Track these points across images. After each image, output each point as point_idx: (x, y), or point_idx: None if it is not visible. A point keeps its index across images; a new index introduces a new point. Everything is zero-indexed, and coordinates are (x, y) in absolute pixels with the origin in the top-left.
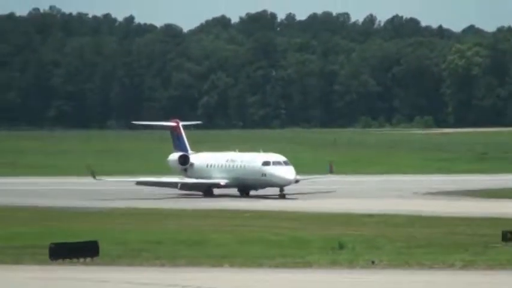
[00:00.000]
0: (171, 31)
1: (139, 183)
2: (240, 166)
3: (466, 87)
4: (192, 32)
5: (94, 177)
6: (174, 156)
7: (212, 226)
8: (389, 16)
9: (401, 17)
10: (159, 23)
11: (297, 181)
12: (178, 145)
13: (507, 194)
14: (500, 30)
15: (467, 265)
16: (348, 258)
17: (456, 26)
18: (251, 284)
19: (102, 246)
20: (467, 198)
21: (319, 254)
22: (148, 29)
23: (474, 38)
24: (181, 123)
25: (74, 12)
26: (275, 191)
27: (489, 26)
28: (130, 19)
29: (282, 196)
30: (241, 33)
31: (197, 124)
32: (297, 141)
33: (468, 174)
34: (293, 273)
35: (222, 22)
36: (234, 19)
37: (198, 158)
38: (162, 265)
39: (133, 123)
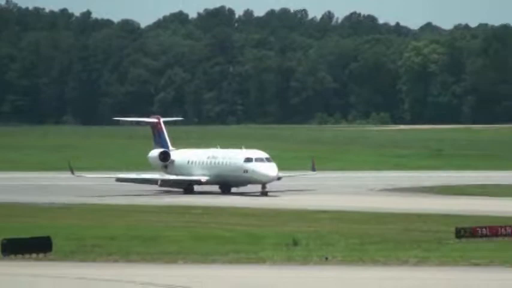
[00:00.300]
0: (128, 26)
1: (119, 179)
2: (222, 163)
3: (422, 84)
4: (150, 28)
5: (73, 173)
6: (155, 152)
7: (167, 222)
8: (347, 13)
9: (359, 14)
10: (116, 18)
11: (279, 178)
12: (159, 141)
13: (461, 190)
14: (457, 27)
15: (420, 261)
16: (301, 255)
17: (413, 23)
18: (204, 280)
19: (56, 242)
20: (422, 195)
21: (273, 250)
22: (105, 24)
23: (431, 36)
24: (162, 119)
25: (31, 7)
26: (257, 188)
27: (446, 23)
28: (87, 14)
29: (264, 194)
30: (198, 29)
31: (178, 120)
32: (255, 138)
33: (423, 171)
34: (246, 269)
35: (179, 18)
36: (192, 15)
37: (178, 155)
38: (115, 261)
39: (115, 119)
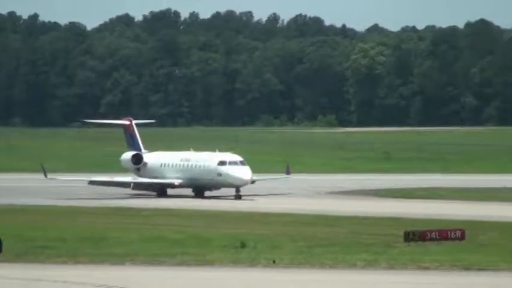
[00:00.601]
0: (75, 29)
1: (91, 182)
2: (195, 166)
3: (369, 86)
4: (96, 30)
5: (45, 175)
6: (127, 155)
7: (117, 224)
8: (293, 15)
9: (305, 15)
10: (63, 21)
11: (253, 182)
12: (132, 144)
13: (409, 194)
14: (404, 29)
15: (369, 265)
16: (249, 257)
17: (360, 25)
18: (150, 282)
19: (6, 243)
20: (370, 198)
21: (221, 252)
22: (53, 27)
23: (378, 38)
24: (134, 122)
25: None
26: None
27: (393, 25)
28: (34, 17)
29: (238, 197)
30: (145, 31)
31: (150, 123)
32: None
33: (371, 174)
34: (193, 272)
35: (125, 20)
36: (138, 17)
37: (151, 157)
38: (64, 262)
39: (85, 122)
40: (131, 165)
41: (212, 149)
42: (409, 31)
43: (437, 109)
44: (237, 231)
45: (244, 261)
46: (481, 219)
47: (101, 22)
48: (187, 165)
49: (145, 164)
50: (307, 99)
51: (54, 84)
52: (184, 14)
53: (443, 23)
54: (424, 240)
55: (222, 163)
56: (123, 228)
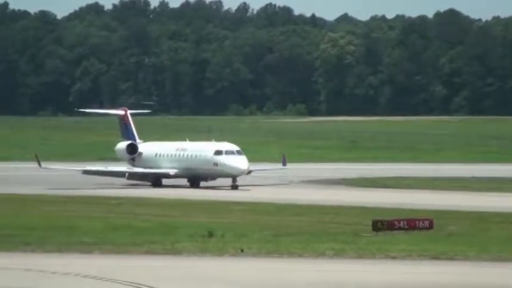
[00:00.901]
0: (44, 18)
1: (86, 172)
2: (191, 155)
3: (338, 75)
4: (66, 19)
5: (40, 165)
6: (122, 145)
7: (85, 212)
8: (263, 4)
9: (275, 5)
10: (33, 10)
11: (249, 172)
12: (126, 134)
13: (378, 183)
14: (373, 19)
15: (337, 254)
16: (217, 246)
17: (329, 14)
18: (118, 270)
19: None
20: (338, 187)
21: (188, 241)
22: (23, 15)
23: (347, 27)
24: (129, 112)
25: None
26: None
27: (363, 15)
28: (4, 5)
29: (235, 187)
30: (115, 20)
31: (146, 112)
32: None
33: (339, 163)
34: (161, 260)
35: (95, 9)
36: (108, 6)
37: (146, 147)
38: (32, 251)
39: (80, 111)
40: (126, 155)
41: (182, 138)
42: (378, 20)
43: (406, 98)
44: (204, 219)
45: (212, 250)
46: (450, 209)
47: (71, 11)
48: (183, 155)
49: (140, 154)
50: (277, 88)
51: (23, 72)
52: (154, 3)
53: (412, 12)
54: (392, 230)
55: (218, 153)
56: (91, 217)
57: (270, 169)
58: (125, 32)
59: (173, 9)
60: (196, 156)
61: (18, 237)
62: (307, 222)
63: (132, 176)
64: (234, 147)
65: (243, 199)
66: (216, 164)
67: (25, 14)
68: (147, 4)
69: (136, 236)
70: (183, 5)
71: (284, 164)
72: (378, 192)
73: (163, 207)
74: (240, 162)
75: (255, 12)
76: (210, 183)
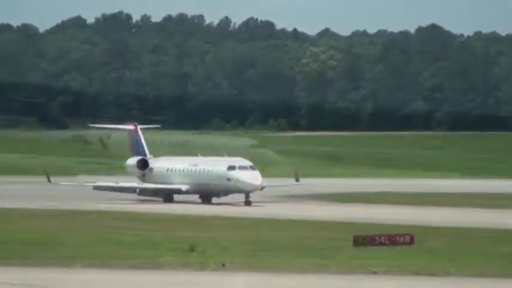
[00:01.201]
0: (27, 31)
1: (96, 187)
2: (203, 171)
3: (320, 90)
4: (48, 32)
5: (49, 180)
6: (133, 160)
7: (67, 226)
8: (244, 18)
9: (256, 19)
10: (15, 23)
11: (262, 187)
12: (137, 149)
13: (359, 198)
14: (355, 34)
15: (318, 269)
16: (199, 261)
17: (311, 29)
18: (100, 285)
19: None
20: (319, 202)
21: (170, 255)
22: (5, 28)
23: (329, 42)
24: (139, 127)
25: None
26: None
27: (344, 30)
28: None
29: (248, 203)
30: (97, 33)
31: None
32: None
33: (320, 178)
34: (143, 275)
35: (77, 22)
36: (90, 20)
37: (157, 163)
38: (12, 265)
39: (89, 126)
40: (136, 171)
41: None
42: (360, 35)
43: (387, 114)
44: (183, 234)
45: (193, 265)
46: (430, 224)
47: (53, 24)
48: (195, 170)
49: (151, 169)
50: (258, 103)
51: (4, 85)
52: (136, 17)
53: (394, 27)
54: (374, 245)
55: (231, 168)
56: (74, 230)
57: (283, 185)
58: (107, 45)
59: (155, 23)
60: (208, 171)
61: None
62: (288, 237)
63: (143, 191)
64: (248, 163)
65: (223, 214)
66: (229, 179)
67: (7, 27)
68: (129, 18)
69: (119, 250)
70: (164, 19)
71: (297, 180)
72: (359, 207)
73: (145, 221)
74: (254, 177)
75: (236, 26)
76: (223, 199)
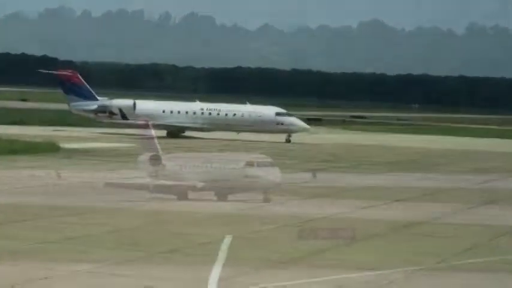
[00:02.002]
0: None
1: (108, 184)
2: (220, 167)
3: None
4: None
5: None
6: (145, 156)
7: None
8: (185, 13)
9: (197, 14)
10: None
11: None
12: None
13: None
14: (297, 29)
15: None
16: None
17: (251, 24)
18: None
19: None
20: None
21: None
22: None
23: (270, 37)
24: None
25: None
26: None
27: (284, 25)
28: None
29: (267, 200)
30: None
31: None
32: None
33: None
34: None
35: (20, 17)
36: (33, 15)
37: (171, 159)
38: None
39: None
40: (149, 167)
41: None
42: (302, 30)
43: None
44: None
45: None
46: None
47: None
48: (211, 166)
49: (164, 165)
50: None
51: None
52: (78, 12)
53: (337, 23)
54: None
55: (249, 164)
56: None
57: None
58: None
59: (96, 17)
60: (225, 168)
61: None
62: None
63: (157, 188)
64: (267, 159)
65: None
66: (246, 177)
67: None
68: (72, 12)
69: None
70: (104, 14)
71: (314, 176)
72: None
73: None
74: (273, 174)
75: (177, 21)
76: (239, 196)
